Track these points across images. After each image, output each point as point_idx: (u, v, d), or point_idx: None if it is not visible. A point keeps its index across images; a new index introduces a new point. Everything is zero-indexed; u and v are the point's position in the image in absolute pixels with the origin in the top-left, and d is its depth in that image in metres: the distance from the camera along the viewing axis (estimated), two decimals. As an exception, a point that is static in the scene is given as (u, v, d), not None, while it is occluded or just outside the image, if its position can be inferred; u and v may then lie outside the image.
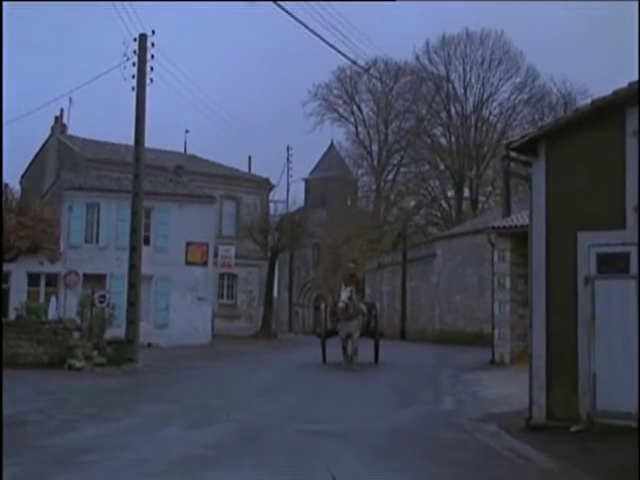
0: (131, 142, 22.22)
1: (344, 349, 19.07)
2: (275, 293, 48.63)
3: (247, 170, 47.64)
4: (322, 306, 22.11)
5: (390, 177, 58.09)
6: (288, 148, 54.62)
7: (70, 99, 45.05)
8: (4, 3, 14.31)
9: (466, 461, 8.71)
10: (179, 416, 11.51)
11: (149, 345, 27.56)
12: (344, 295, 18.72)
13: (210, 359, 23.59)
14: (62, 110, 39.56)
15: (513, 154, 11.05)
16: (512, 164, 11.45)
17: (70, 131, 39.97)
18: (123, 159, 34.78)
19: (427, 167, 55.97)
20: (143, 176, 21.79)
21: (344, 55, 27.29)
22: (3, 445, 8.41)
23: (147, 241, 28.63)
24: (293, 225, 40.29)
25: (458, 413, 12.50)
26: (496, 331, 22.51)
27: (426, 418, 11.94)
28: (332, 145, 64.08)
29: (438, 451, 9.26)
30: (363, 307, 20.11)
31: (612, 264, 10.16)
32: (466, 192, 54.24)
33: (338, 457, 8.70)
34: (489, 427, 10.93)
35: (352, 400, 14.12)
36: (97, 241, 29.57)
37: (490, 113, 54.17)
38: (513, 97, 53.70)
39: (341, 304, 18.63)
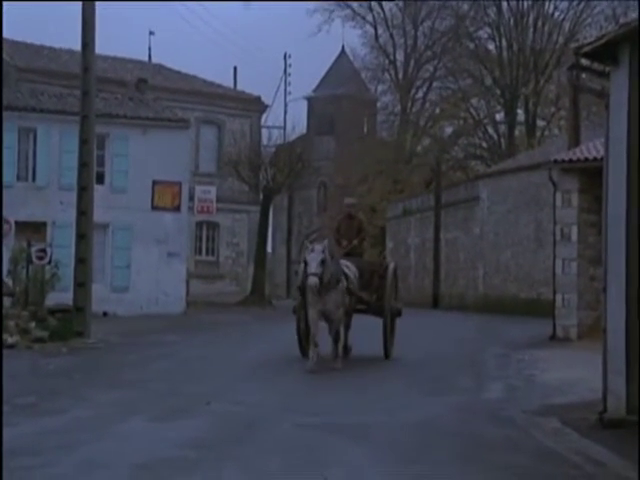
0: (77, 47, 22.01)
1: (313, 339, 15.11)
2: (269, 247, 48.81)
3: (232, 86, 47.39)
4: (301, 265, 16.31)
5: (420, 95, 57.68)
6: (286, 56, 54.29)
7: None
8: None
9: (519, 467, 8.70)
10: (144, 406, 11.53)
11: (104, 314, 27.70)
12: (313, 261, 14.62)
13: (184, 332, 23.71)
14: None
15: (585, 62, 10.86)
16: (583, 75, 11.27)
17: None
18: (67, 69, 34.54)
19: (469, 81, 55.49)
20: (94, 92, 21.64)
21: None
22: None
23: (101, 179, 28.59)
24: (292, 158, 40.24)
25: (508, 404, 12.51)
26: (559, 297, 22.54)
27: (465, 410, 11.94)
28: (343, 52, 63.59)
29: (481, 453, 9.26)
30: (349, 270, 15.86)
31: None
32: (520, 114, 53.87)
33: (349, 460, 8.71)
34: (549, 422, 10.93)
35: (367, 385, 14.17)
36: (34, 179, 29.55)
37: (555, 8, 53.46)
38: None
39: (312, 279, 14.47)
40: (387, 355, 16.82)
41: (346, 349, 16.42)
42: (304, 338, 16.34)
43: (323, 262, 14.61)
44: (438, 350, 19.99)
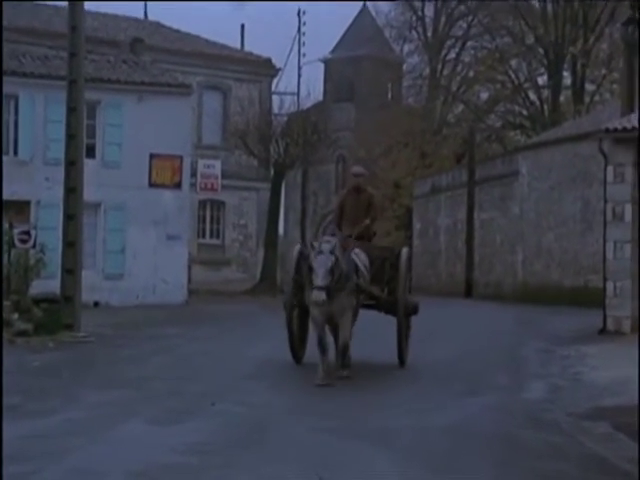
0: (63, 2, 22.05)
1: (320, 344, 13.94)
2: (281, 229, 48.81)
3: (239, 46, 47.34)
4: (294, 251, 15.73)
5: (452, 56, 57.49)
6: (299, 13, 54.06)
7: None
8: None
9: (564, 476, 8.72)
10: (140, 407, 11.59)
11: (96, 305, 27.79)
12: (321, 268, 13.42)
13: (185, 325, 23.77)
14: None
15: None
16: None
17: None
18: (52, 28, 34.57)
19: (507, 40, 55.26)
20: (83, 54, 21.63)
21: None
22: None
23: (91, 152, 28.61)
24: (307, 129, 40.18)
25: (551, 405, 12.54)
26: (609, 285, 22.49)
27: (503, 411, 11.97)
28: (365, 8, 63.39)
29: (521, 461, 9.27)
30: (359, 260, 14.67)
31: None
32: (567, 77, 53.63)
33: (370, 469, 8.74)
34: (598, 427, 10.95)
35: (390, 383, 14.22)
36: (15, 152, 29.59)
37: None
38: None
39: (319, 295, 13.30)
40: (402, 362, 15.57)
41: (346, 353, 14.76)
42: (297, 342, 15.39)
43: (332, 270, 13.41)
44: (471, 345, 19.98)
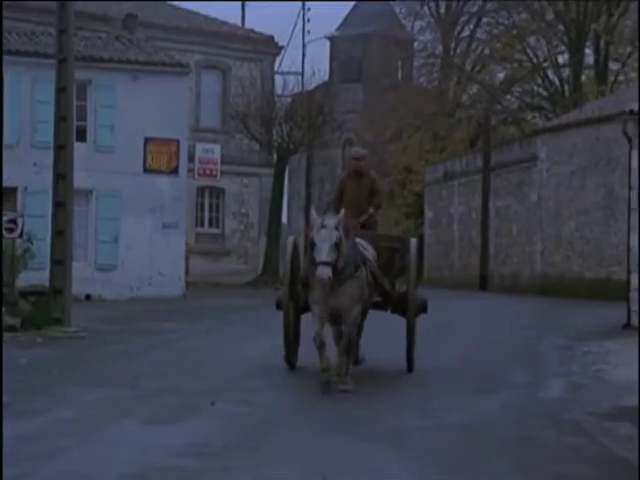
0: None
1: (317, 338, 12.94)
2: (284, 218, 48.80)
3: (239, 23, 47.28)
4: (288, 241, 14.97)
5: (466, 33, 57.35)
6: (303, -14, 53.96)
7: None
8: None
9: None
10: (135, 406, 11.63)
11: (87, 298, 27.82)
12: (324, 243, 12.53)
13: (183, 319, 23.79)
14: None
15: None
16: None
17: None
18: (40, 2, 34.48)
19: (525, 16, 55.13)
20: (73, 30, 21.63)
21: None
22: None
23: (82, 135, 28.60)
24: (312, 111, 40.12)
25: (571, 404, 12.56)
26: (634, 277, 22.53)
27: (520, 411, 12.00)
28: (374, -19, 63.14)
29: (539, 463, 9.30)
30: (367, 252, 13.87)
31: None
32: (589, 56, 53.47)
33: (380, 470, 8.76)
34: (621, 427, 10.99)
35: (402, 380, 14.24)
36: (1, 135, 29.55)
37: None
38: None
39: (324, 270, 12.36)
40: (411, 367, 14.61)
41: (357, 361, 14.26)
42: (293, 345, 14.50)
43: (337, 245, 12.45)
44: (486, 340, 20.00)
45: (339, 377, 12.99)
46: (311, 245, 12.74)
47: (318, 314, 13.05)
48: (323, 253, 12.40)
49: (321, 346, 12.85)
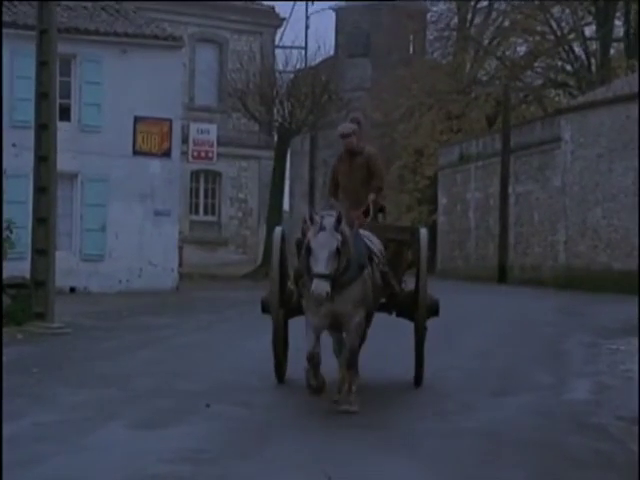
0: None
1: (312, 359, 11.83)
2: (286, 204, 48.79)
3: (236, -8, 47.12)
4: (275, 234, 13.93)
5: (484, 3, 57.28)
6: (306, -48, 53.89)
7: None
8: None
9: (613, 489, 8.79)
10: (124, 409, 11.62)
11: (72, 291, 27.84)
12: (322, 250, 11.32)
13: (176, 314, 23.82)
14: None
15: None
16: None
17: None
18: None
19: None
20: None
21: None
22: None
23: (66, 114, 28.61)
24: (316, 88, 40.12)
25: (598, 407, 12.55)
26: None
27: (542, 414, 11.99)
28: (383, -54, 63.09)
29: (563, 470, 9.29)
30: (374, 245, 12.79)
31: None
32: (618, 27, 53.39)
33: (391, 477, 8.78)
34: (652, 432, 10.96)
35: (412, 379, 14.17)
36: (-22, 114, 29.59)
37: None
38: None
39: (320, 286, 11.11)
40: (419, 381, 13.61)
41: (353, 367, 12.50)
42: (284, 354, 13.69)
43: (338, 251, 11.30)
44: (506, 337, 20.05)
45: (340, 395, 11.94)
46: (307, 250, 11.58)
47: (313, 324, 11.85)
48: (321, 263, 11.25)
49: (315, 367, 11.83)
